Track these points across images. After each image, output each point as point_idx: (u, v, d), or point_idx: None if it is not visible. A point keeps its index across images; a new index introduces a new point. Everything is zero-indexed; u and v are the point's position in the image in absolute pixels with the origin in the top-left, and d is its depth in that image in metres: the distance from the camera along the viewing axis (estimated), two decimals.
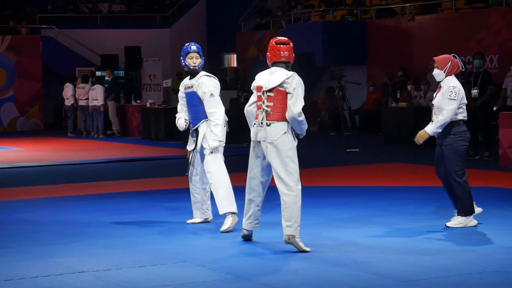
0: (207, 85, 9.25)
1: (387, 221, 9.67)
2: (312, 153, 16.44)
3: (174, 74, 28.08)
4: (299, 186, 8.16)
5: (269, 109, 8.07)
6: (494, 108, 16.07)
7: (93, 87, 24.78)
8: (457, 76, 9.43)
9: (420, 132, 9.37)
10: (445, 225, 9.18)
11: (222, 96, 9.46)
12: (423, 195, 11.72)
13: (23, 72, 28.29)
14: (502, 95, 17.38)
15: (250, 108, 8.44)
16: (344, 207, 10.80)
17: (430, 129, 9.28)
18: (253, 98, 8.40)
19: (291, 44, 8.29)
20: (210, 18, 32.19)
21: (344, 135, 18.40)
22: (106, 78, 25.67)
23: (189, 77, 9.46)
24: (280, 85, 8.06)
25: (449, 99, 9.13)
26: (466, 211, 9.17)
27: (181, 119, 9.46)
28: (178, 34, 31.49)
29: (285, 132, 8.04)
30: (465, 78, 15.82)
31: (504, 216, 9.92)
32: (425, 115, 17.78)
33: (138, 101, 25.39)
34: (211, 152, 9.22)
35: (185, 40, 30.66)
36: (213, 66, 30.84)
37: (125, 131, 24.69)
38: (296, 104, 7.98)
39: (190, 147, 9.47)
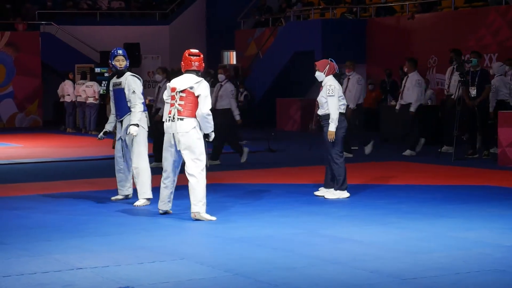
0: (131, 84, 10.84)
1: (385, 220, 9.68)
2: (310, 151, 16.44)
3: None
4: (204, 172, 9.59)
5: (180, 107, 9.59)
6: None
7: (88, 83, 24.77)
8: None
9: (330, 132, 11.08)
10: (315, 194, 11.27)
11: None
12: (421, 194, 11.72)
13: (22, 69, 28.26)
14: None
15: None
16: (342, 205, 10.80)
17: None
18: (166, 97, 9.93)
19: (202, 56, 9.91)
20: (210, 15, 32.17)
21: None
22: (106, 74, 25.68)
23: (116, 76, 11.06)
24: (190, 87, 9.60)
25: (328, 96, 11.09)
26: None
27: (104, 131, 11.24)
28: (177, 31, 31.46)
29: (194, 127, 9.58)
30: (463, 77, 15.82)
31: (503, 215, 9.93)
32: (424, 113, 17.86)
33: None
34: (137, 139, 10.76)
35: (184, 37, 30.92)
36: (212, 63, 30.82)
37: None
38: (205, 105, 9.55)
39: (117, 135, 11.06)
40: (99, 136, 11.30)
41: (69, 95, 25.57)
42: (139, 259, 7.67)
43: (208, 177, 11.70)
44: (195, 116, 9.60)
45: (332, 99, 11.11)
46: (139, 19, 32.19)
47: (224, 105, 15.31)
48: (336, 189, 11.25)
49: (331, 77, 11.31)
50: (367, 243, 8.33)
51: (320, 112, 11.34)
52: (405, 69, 16.90)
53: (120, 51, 11.04)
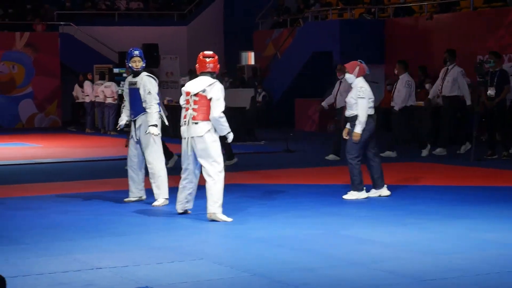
0: (146, 84, 10.86)
1: (405, 220, 9.65)
2: (328, 151, 16.41)
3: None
4: (222, 174, 9.59)
5: (194, 111, 9.61)
6: None
7: (106, 84, 24.86)
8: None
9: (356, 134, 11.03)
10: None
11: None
12: (440, 195, 11.68)
13: (41, 69, 28.38)
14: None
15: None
16: (361, 205, 10.78)
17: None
18: (181, 101, 9.89)
19: (216, 57, 9.83)
20: (228, 16, 32.19)
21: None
22: (124, 75, 25.74)
23: (132, 75, 11.09)
24: (203, 90, 9.58)
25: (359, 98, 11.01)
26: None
27: (122, 121, 11.15)
28: (195, 32, 31.50)
29: (209, 130, 9.57)
30: (482, 78, 15.75)
31: None
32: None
33: None
34: (153, 139, 10.80)
35: (202, 37, 30.94)
36: (230, 64, 30.85)
37: None
38: (216, 108, 9.51)
39: (131, 134, 11.06)
40: (119, 125, 11.20)
41: (88, 95, 25.66)
42: (158, 259, 7.69)
43: (226, 177, 11.70)
44: (209, 119, 9.57)
45: (362, 101, 11.03)
46: (158, 20, 32.25)
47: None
48: (353, 190, 11.24)
49: (361, 78, 11.26)
50: (386, 244, 8.31)
51: (347, 113, 11.30)
52: (396, 71, 16.76)
53: (136, 52, 11.09)
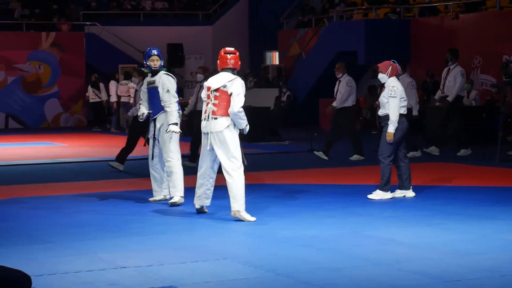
0: (165, 83, 10.89)
1: (430, 221, 9.61)
2: (351, 152, 16.35)
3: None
4: (241, 170, 9.60)
5: (214, 106, 9.63)
6: None
7: (131, 84, 24.93)
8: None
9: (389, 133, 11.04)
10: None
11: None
12: (467, 195, 11.61)
13: (67, 69, 28.53)
14: None
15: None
16: (386, 205, 10.74)
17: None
18: (203, 95, 9.96)
19: (237, 53, 9.84)
20: (252, 15, 32.21)
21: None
22: (149, 75, 25.82)
23: (150, 75, 11.14)
24: (224, 86, 9.61)
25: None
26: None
27: (143, 111, 11.10)
28: (220, 32, 31.55)
29: (228, 126, 9.58)
30: (508, 78, 15.64)
31: None
32: (468, 114, 17.70)
33: (181, 98, 25.45)
34: (171, 136, 10.79)
35: (227, 37, 30.96)
36: (254, 64, 30.86)
37: None
38: (237, 103, 9.50)
39: (150, 134, 11.05)
40: (142, 114, 11.10)
41: (112, 95, 25.75)
42: (182, 258, 7.70)
43: (250, 178, 11.70)
44: (229, 115, 9.58)
45: (393, 100, 11.02)
46: (183, 20, 32.32)
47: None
48: (379, 189, 11.20)
49: (394, 78, 11.24)
50: (411, 245, 8.27)
51: (380, 112, 11.29)
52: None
53: (154, 51, 11.07)
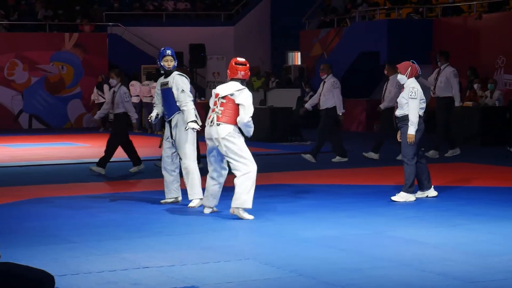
0: (179, 83, 10.81)
1: (453, 221, 9.57)
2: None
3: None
4: (249, 169, 9.69)
5: (219, 112, 9.83)
6: None
7: (153, 84, 24.99)
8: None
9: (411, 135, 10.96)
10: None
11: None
12: (489, 196, 11.55)
13: (90, 70, 28.64)
14: None
15: None
16: (409, 206, 10.71)
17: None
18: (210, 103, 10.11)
19: (248, 65, 10.02)
20: (274, 16, 32.20)
21: None
22: None
23: (163, 76, 11.04)
24: (231, 94, 9.79)
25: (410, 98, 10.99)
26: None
27: (156, 112, 11.05)
28: (242, 32, 31.57)
29: (229, 132, 9.77)
30: None
31: None
32: (491, 114, 17.61)
33: (203, 98, 25.51)
34: (187, 138, 10.77)
35: (249, 38, 30.98)
36: (277, 64, 30.84)
37: None
38: (246, 113, 9.71)
39: (166, 135, 10.96)
40: (150, 117, 11.11)
41: (138, 96, 25.83)
42: (205, 258, 7.71)
43: (272, 178, 11.71)
44: (232, 123, 9.78)
45: (413, 101, 10.97)
46: (205, 20, 32.38)
47: (120, 110, 14.49)
48: (404, 191, 11.13)
49: (413, 79, 11.17)
50: (434, 245, 8.24)
51: (398, 113, 11.22)
52: (386, 72, 16.31)
53: (168, 51, 11.00)
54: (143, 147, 20.38)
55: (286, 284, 6.81)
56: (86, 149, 20.23)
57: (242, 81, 9.94)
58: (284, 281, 6.92)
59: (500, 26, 22.39)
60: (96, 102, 26.65)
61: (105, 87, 26.12)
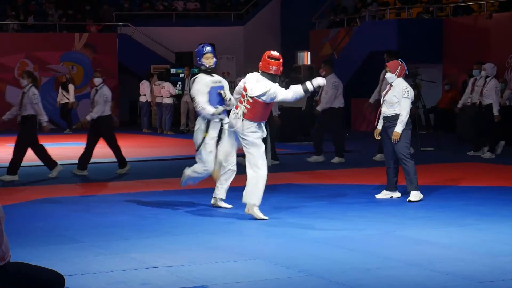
0: (225, 81, 10.60)
1: (463, 221, 9.55)
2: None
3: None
4: (263, 169, 9.69)
5: (246, 110, 9.74)
6: None
7: (163, 84, 25.03)
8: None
9: (397, 133, 10.90)
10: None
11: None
12: (499, 195, 11.52)
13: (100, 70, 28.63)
14: None
15: None
16: (418, 206, 10.69)
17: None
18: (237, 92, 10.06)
19: (281, 60, 9.84)
20: (284, 15, 32.18)
21: (418, 133, 18.21)
22: (181, 75, 25.94)
23: (210, 73, 10.43)
24: (258, 96, 9.69)
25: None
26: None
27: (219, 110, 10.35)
28: (252, 32, 31.56)
29: (252, 131, 9.73)
30: None
31: None
32: (501, 114, 17.52)
33: None
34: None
35: (259, 37, 30.96)
36: (286, 64, 30.77)
37: None
38: (283, 98, 9.90)
39: (213, 133, 10.32)
40: (217, 111, 10.21)
41: (144, 95, 25.86)
42: (214, 258, 7.71)
43: (281, 178, 11.68)
44: (256, 120, 9.80)
45: (406, 101, 10.99)
46: (214, 20, 32.38)
47: (28, 112, 14.08)
48: (413, 190, 11.06)
49: (401, 78, 11.15)
50: (444, 245, 8.22)
51: (388, 112, 11.05)
52: (322, 72, 16.11)
53: (208, 48, 10.52)
54: (156, 147, 20.36)
55: (296, 284, 6.81)
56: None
57: (274, 77, 9.82)
58: (293, 281, 6.91)
59: (510, 26, 22.32)
60: (61, 102, 26.53)
61: (70, 87, 26.07)
